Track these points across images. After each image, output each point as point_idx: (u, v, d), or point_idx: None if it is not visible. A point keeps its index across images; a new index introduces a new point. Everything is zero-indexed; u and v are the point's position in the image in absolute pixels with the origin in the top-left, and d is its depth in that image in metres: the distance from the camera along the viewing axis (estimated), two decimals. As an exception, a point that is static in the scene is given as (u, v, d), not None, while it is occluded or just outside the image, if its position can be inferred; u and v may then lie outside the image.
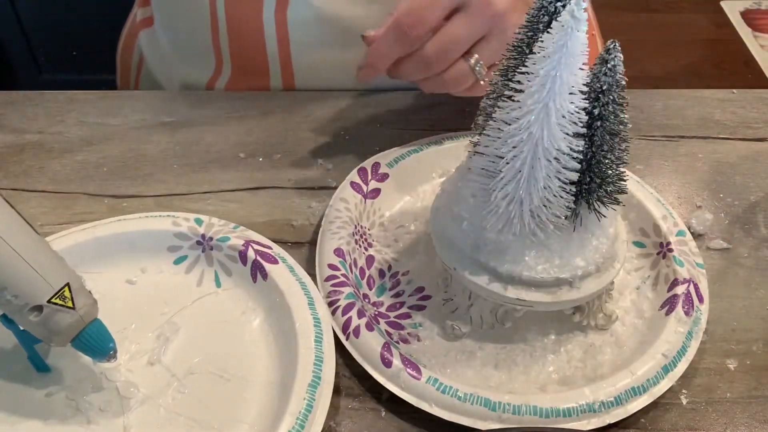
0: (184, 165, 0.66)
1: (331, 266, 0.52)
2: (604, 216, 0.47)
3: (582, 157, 0.44)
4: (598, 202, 0.46)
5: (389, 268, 0.56)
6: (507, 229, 0.46)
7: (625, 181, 0.47)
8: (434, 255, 0.56)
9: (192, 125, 0.70)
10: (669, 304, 0.52)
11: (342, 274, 0.52)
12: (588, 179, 0.45)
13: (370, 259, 0.56)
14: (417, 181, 0.62)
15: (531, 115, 0.42)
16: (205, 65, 0.76)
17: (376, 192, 0.59)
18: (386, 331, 0.51)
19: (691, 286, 0.52)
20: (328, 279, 0.52)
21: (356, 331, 0.49)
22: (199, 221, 0.56)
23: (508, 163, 0.44)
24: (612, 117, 0.44)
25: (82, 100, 0.73)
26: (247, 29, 0.71)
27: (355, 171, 0.60)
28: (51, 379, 0.48)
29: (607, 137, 0.44)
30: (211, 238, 0.55)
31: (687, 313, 0.51)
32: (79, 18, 1.70)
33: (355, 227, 0.56)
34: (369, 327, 0.49)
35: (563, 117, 0.42)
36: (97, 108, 0.72)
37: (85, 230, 0.54)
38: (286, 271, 0.52)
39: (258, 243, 0.54)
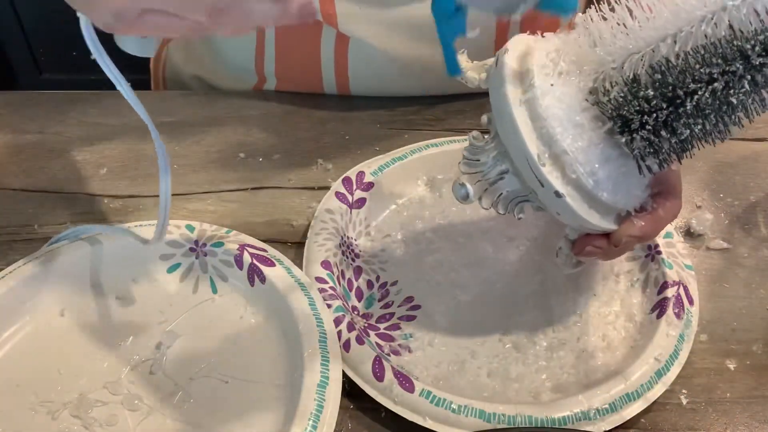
0: (184, 165, 0.66)
1: (319, 279, 0.52)
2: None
3: None
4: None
5: (377, 278, 0.56)
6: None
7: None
8: (421, 262, 0.56)
9: (192, 125, 0.70)
10: (659, 308, 0.52)
11: (330, 287, 0.52)
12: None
13: (357, 270, 0.56)
14: (402, 189, 0.61)
15: None
16: (244, 80, 0.75)
17: (362, 201, 0.59)
18: (377, 343, 0.51)
19: (681, 288, 0.52)
20: None
21: (347, 345, 0.48)
22: (190, 228, 0.55)
23: None
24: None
25: (82, 100, 0.73)
26: (301, 58, 0.70)
27: (339, 181, 0.59)
28: (54, 396, 0.47)
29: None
30: (204, 245, 0.54)
31: (678, 316, 0.51)
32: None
33: (342, 238, 0.56)
34: (359, 340, 0.48)
35: None
36: (97, 108, 0.72)
37: (74, 243, 0.54)
38: (284, 273, 0.52)
39: (253, 246, 0.54)
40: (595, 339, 0.52)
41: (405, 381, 0.47)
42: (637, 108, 0.41)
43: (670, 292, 0.52)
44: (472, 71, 0.47)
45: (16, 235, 0.59)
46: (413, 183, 0.62)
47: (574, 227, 0.47)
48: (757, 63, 0.39)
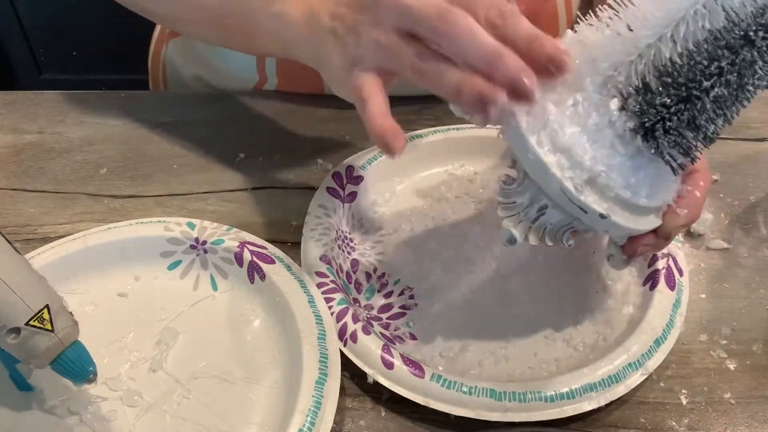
0: (184, 165, 0.66)
1: (319, 274, 0.52)
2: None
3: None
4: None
5: (375, 270, 0.56)
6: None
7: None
8: (419, 252, 0.57)
9: (192, 125, 0.70)
10: (651, 279, 0.53)
11: (331, 281, 0.52)
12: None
13: (354, 263, 0.56)
14: (392, 181, 0.62)
15: None
16: (245, 79, 0.75)
17: (353, 195, 0.59)
18: (381, 333, 0.51)
19: (670, 260, 0.54)
20: (318, 287, 0.52)
21: (353, 336, 0.49)
22: (191, 225, 0.55)
23: None
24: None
25: (82, 100, 0.73)
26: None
27: (329, 176, 0.60)
28: (52, 393, 0.47)
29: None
30: (204, 242, 0.54)
31: (671, 287, 0.52)
32: (79, 18, 1.70)
33: (337, 232, 0.56)
34: (365, 331, 0.49)
35: None
36: (97, 108, 0.72)
37: (75, 240, 0.54)
38: (283, 270, 0.52)
39: (253, 244, 0.54)
40: (592, 315, 0.53)
41: (414, 367, 0.47)
42: (657, 116, 0.41)
43: (660, 264, 0.53)
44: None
45: (16, 235, 0.59)
46: (403, 175, 0.63)
47: (622, 236, 0.47)
48: (763, 45, 0.39)
